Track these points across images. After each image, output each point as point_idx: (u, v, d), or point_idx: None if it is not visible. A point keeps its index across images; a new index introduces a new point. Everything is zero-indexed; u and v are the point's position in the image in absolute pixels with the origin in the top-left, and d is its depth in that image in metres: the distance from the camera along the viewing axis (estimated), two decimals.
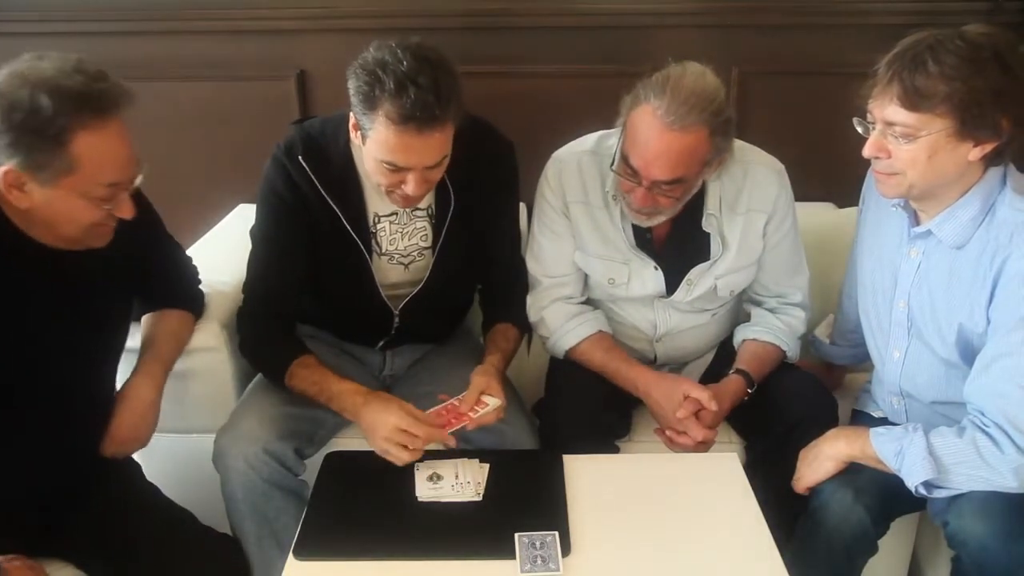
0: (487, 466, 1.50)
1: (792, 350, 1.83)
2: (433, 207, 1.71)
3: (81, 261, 1.40)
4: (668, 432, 1.70)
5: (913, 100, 1.34)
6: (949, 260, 1.48)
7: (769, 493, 1.49)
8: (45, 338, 1.39)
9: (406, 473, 1.49)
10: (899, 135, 1.38)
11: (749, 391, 1.75)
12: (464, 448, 1.58)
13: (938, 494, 1.42)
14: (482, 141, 1.69)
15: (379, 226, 1.71)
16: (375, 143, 1.48)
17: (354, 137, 1.55)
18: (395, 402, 1.54)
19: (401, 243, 1.73)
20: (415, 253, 1.75)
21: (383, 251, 1.73)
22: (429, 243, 1.74)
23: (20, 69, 1.26)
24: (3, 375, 1.35)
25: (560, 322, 1.81)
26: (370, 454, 1.57)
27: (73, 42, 2.41)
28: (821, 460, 1.55)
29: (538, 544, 1.31)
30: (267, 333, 1.70)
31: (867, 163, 1.49)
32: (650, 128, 1.55)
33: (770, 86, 2.45)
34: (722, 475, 1.53)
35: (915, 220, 1.53)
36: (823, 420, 1.66)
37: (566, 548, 1.31)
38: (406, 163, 1.49)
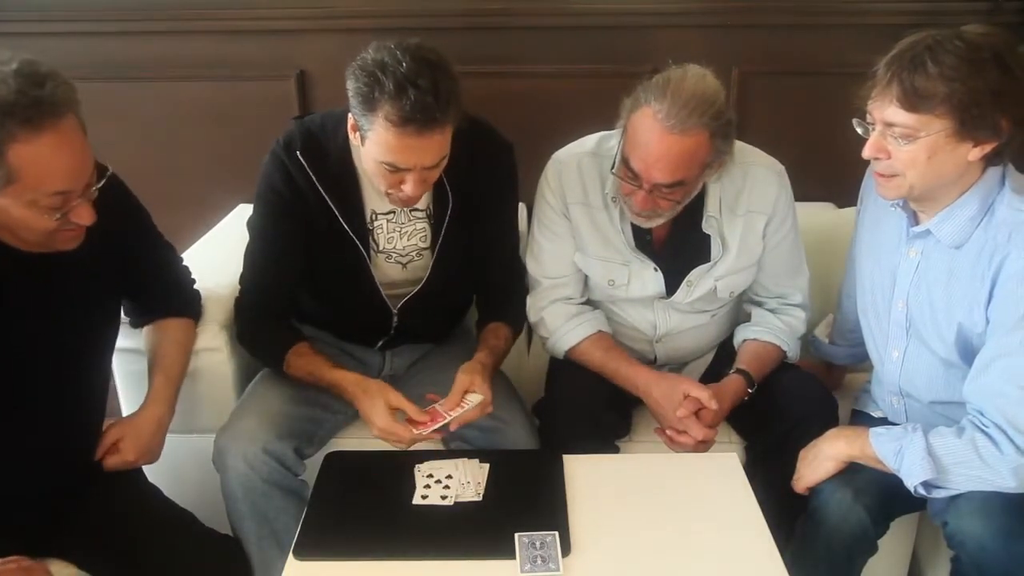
0: (487, 466, 1.50)
1: (792, 350, 1.83)
2: (432, 208, 1.71)
3: (59, 263, 1.38)
4: (668, 432, 1.70)
5: (912, 101, 1.34)
6: (948, 260, 1.48)
7: (769, 493, 1.49)
8: (23, 340, 1.37)
9: (406, 473, 1.49)
10: (899, 136, 1.38)
11: (749, 391, 1.75)
12: (464, 448, 1.58)
13: (937, 494, 1.42)
14: (481, 142, 1.69)
15: (376, 224, 1.71)
16: (374, 144, 1.48)
17: (353, 138, 1.55)
18: (380, 402, 1.56)
19: (399, 243, 1.73)
20: (413, 253, 1.75)
21: (380, 249, 1.73)
22: (428, 243, 1.74)
23: None
24: None
25: (560, 322, 1.81)
26: (370, 454, 1.58)
27: (73, 42, 2.42)
28: (821, 460, 1.55)
29: (538, 544, 1.31)
30: (264, 322, 1.72)
31: (867, 163, 1.49)
32: (651, 131, 1.55)
33: (770, 86, 2.45)
34: (722, 475, 1.53)
35: (914, 220, 1.53)
36: (823, 420, 1.66)
37: (566, 548, 1.31)
38: (406, 164, 1.49)
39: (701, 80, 1.57)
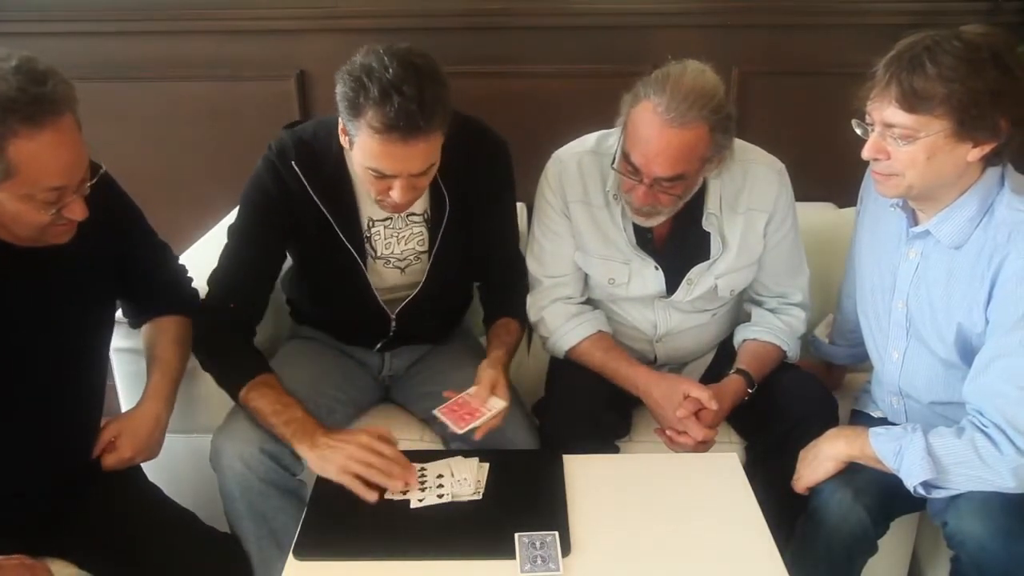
0: (487, 465, 1.49)
1: (792, 350, 1.83)
2: (428, 211, 1.71)
3: (54, 261, 1.39)
4: (668, 432, 1.70)
5: (911, 102, 1.34)
6: (947, 260, 1.48)
7: (769, 493, 1.49)
8: (18, 338, 1.38)
9: None
10: (898, 137, 1.38)
11: (749, 391, 1.75)
12: (464, 448, 1.58)
13: (937, 494, 1.42)
14: (475, 142, 1.68)
15: (373, 230, 1.70)
16: (360, 150, 1.47)
17: (343, 143, 1.54)
18: (356, 438, 1.50)
19: (397, 247, 1.73)
20: (411, 257, 1.75)
21: (378, 255, 1.72)
22: (425, 247, 1.74)
23: None
24: None
25: (560, 322, 1.81)
26: None
27: (73, 42, 2.43)
28: (821, 460, 1.55)
29: (538, 544, 1.31)
30: (228, 336, 1.65)
31: (867, 163, 1.49)
32: (650, 125, 1.55)
33: (770, 86, 2.45)
34: (722, 475, 1.52)
35: (913, 220, 1.54)
36: (823, 420, 1.66)
37: (566, 548, 1.31)
38: (391, 170, 1.48)
39: (701, 75, 1.57)
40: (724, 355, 1.90)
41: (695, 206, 1.74)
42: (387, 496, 1.43)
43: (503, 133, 1.75)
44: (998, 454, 1.35)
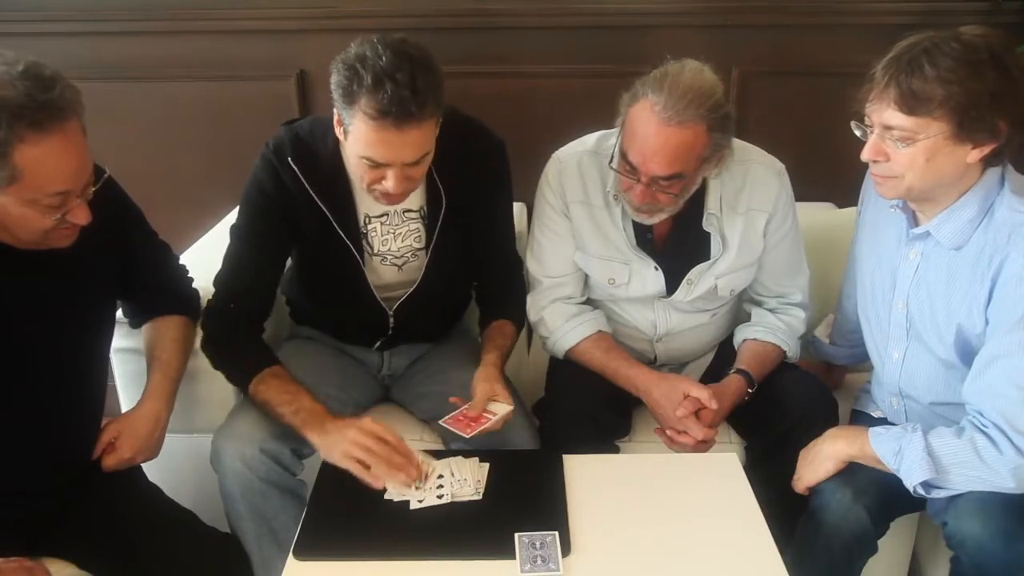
0: (487, 465, 1.49)
1: (792, 350, 1.84)
2: (425, 208, 1.71)
3: (55, 262, 1.39)
4: (668, 432, 1.70)
5: (910, 104, 1.34)
6: (948, 261, 1.48)
7: (769, 493, 1.49)
8: (20, 338, 1.38)
9: None
10: (897, 139, 1.38)
11: (749, 391, 1.75)
12: (464, 448, 1.58)
13: (937, 494, 1.42)
14: (472, 140, 1.69)
15: (370, 227, 1.70)
16: (354, 138, 1.48)
17: (339, 133, 1.54)
18: (359, 421, 1.51)
19: (394, 244, 1.73)
20: (408, 254, 1.75)
21: (375, 252, 1.73)
22: (422, 244, 1.74)
23: None
24: None
25: (560, 322, 1.82)
26: None
27: (73, 42, 2.43)
28: (821, 460, 1.55)
29: (538, 544, 1.31)
30: (236, 334, 1.67)
31: (866, 164, 1.49)
32: (648, 124, 1.55)
33: (770, 86, 2.45)
34: (722, 475, 1.52)
35: (914, 221, 1.54)
36: (823, 420, 1.66)
37: (566, 548, 1.31)
38: (384, 159, 1.48)
39: (699, 74, 1.57)
40: (724, 355, 1.90)
41: (695, 206, 1.74)
42: (387, 497, 1.44)
43: (503, 133, 1.75)
44: (998, 454, 1.35)
